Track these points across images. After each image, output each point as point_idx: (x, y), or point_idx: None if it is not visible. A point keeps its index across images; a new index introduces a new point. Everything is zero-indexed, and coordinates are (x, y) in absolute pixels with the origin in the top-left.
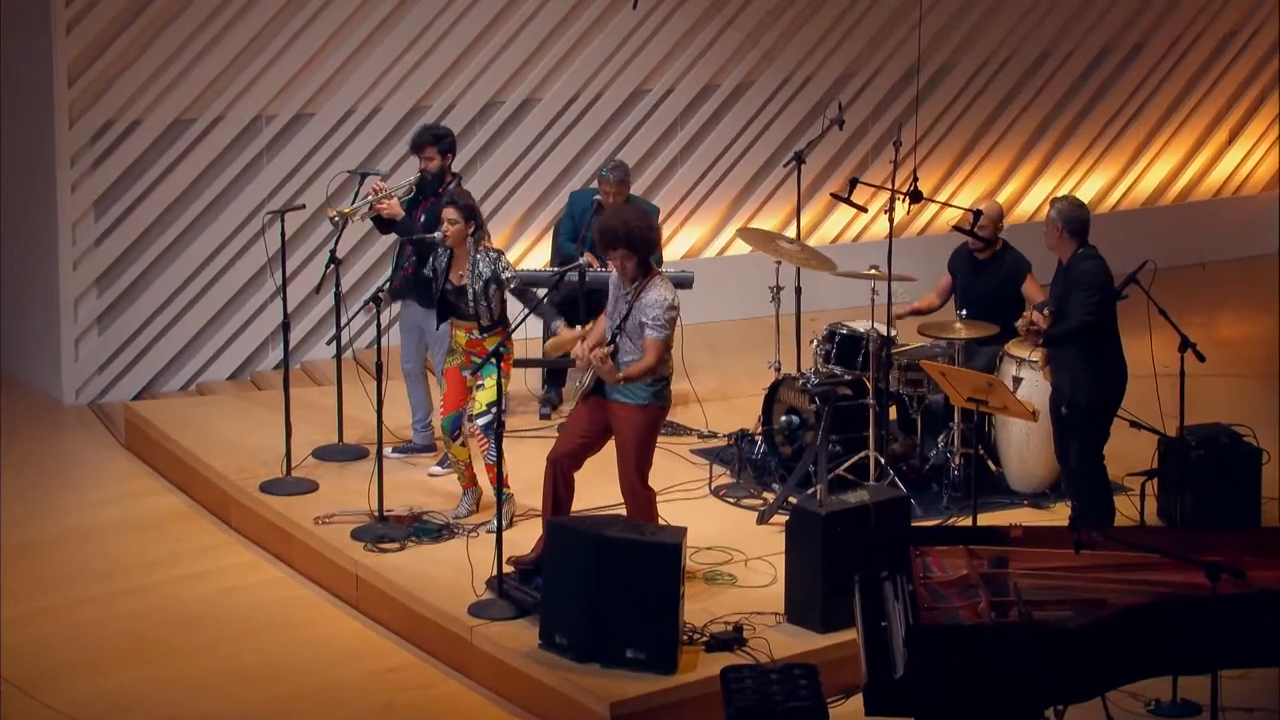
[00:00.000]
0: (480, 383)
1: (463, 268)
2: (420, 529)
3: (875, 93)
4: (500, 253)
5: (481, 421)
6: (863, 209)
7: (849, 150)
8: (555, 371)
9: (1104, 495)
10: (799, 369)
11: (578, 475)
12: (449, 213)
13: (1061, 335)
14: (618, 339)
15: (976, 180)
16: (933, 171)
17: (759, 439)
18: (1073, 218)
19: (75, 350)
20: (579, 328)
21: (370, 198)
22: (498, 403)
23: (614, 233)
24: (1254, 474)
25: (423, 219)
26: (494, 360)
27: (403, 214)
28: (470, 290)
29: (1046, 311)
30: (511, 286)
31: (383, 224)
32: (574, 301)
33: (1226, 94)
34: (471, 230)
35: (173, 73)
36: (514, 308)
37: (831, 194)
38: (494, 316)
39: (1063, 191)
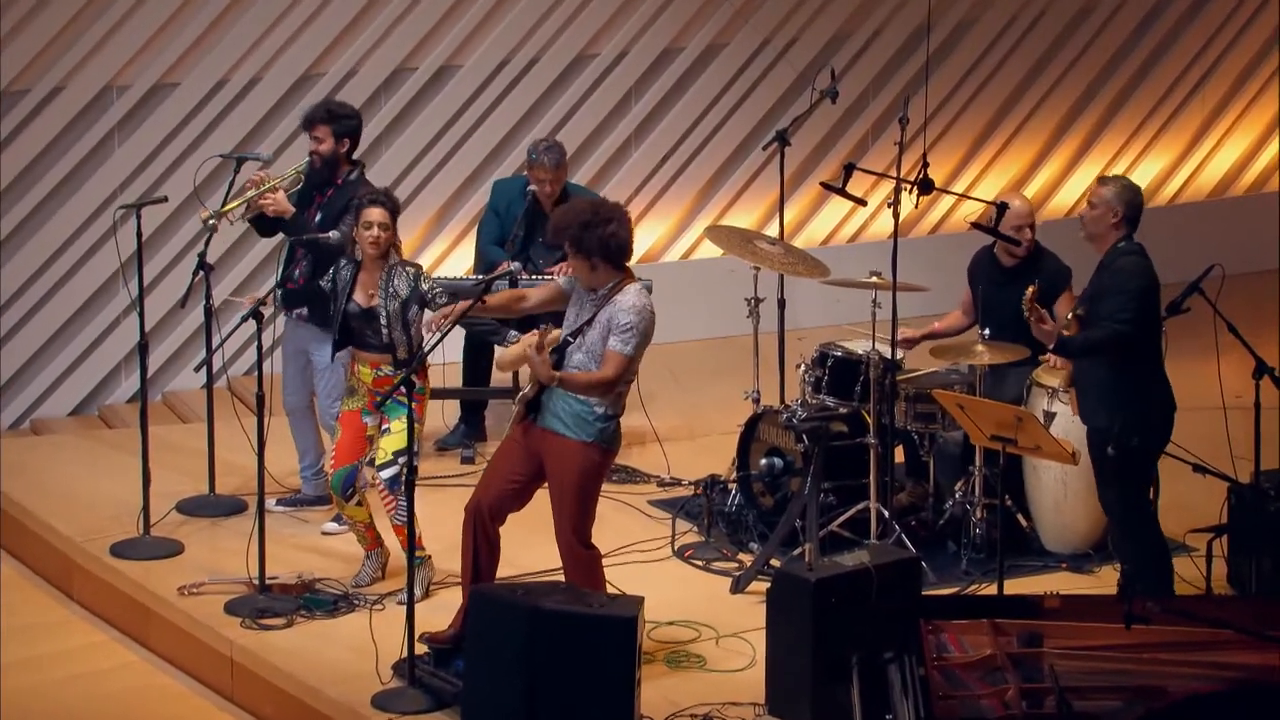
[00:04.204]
0: (387, 427)
1: (373, 285)
2: (312, 601)
3: (876, 58)
4: (419, 268)
5: (386, 475)
6: (861, 202)
7: (843, 130)
8: (471, 408)
9: (1158, 552)
10: (782, 400)
11: (506, 529)
12: (377, 214)
13: (1081, 345)
14: (569, 351)
15: (1000, 167)
16: (947, 156)
17: (733, 487)
18: (1131, 202)
19: None
20: (535, 332)
21: (250, 192)
22: (408, 452)
23: (559, 224)
24: None
25: (319, 218)
26: (403, 398)
27: (293, 210)
28: (384, 313)
29: (1072, 316)
30: (441, 303)
31: (266, 224)
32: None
33: None
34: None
35: None
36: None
37: (822, 184)
38: (413, 348)
39: None
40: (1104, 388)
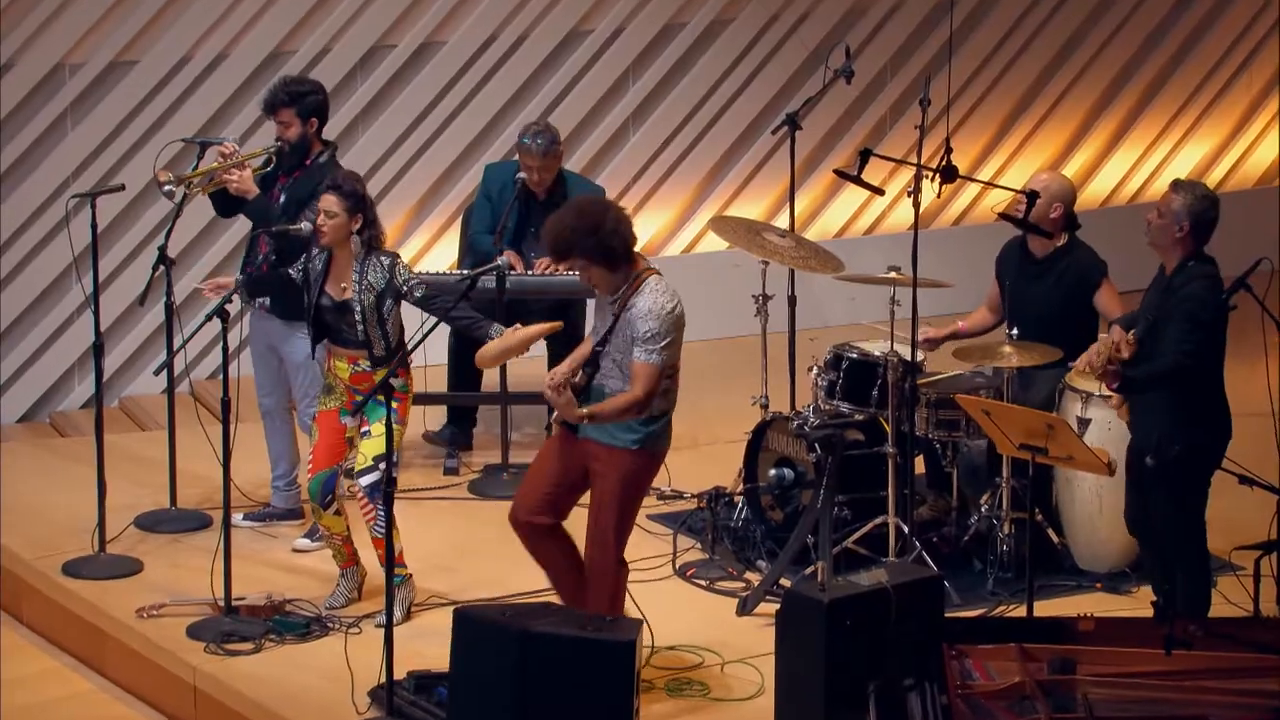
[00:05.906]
0: (366, 429)
1: (346, 278)
2: (282, 624)
3: (895, 34)
4: (396, 256)
5: (366, 481)
6: (879, 191)
7: (859, 112)
8: (459, 413)
9: (1203, 575)
10: (793, 406)
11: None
12: (329, 201)
13: (1146, 379)
14: (600, 360)
15: (1029, 153)
16: (972, 141)
17: (739, 501)
18: (1203, 215)
19: None
20: (519, 328)
21: (216, 164)
22: (388, 457)
23: (558, 240)
24: None
25: (281, 200)
26: (384, 399)
27: (257, 191)
28: (358, 307)
29: (1131, 336)
30: (417, 296)
31: (227, 204)
32: (489, 315)
33: None
34: (358, 226)
35: None
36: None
37: (836, 171)
38: (390, 344)
39: (1147, 168)
40: (1164, 402)
